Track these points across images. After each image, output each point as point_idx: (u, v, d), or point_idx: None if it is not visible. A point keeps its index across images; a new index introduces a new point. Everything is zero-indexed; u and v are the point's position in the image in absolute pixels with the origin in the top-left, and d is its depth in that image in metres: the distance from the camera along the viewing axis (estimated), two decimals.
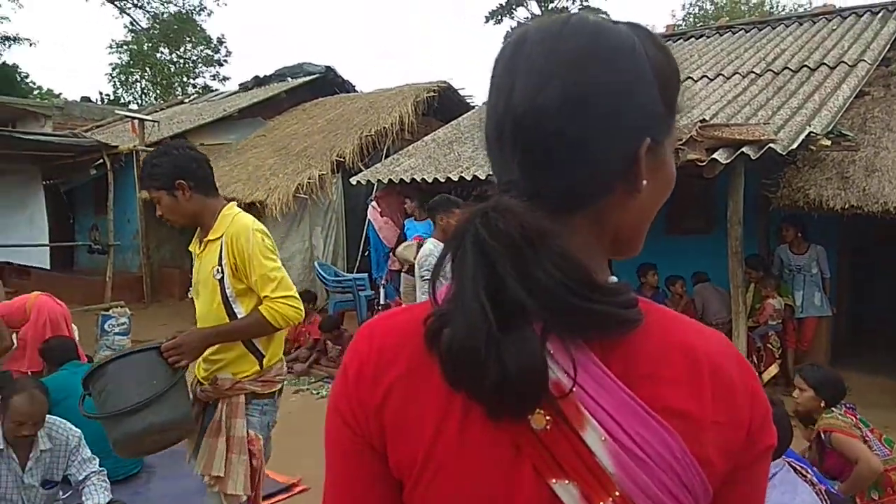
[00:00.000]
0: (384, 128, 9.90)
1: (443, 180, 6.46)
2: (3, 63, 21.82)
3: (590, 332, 0.58)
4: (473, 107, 10.08)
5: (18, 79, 22.75)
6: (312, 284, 8.76)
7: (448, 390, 0.59)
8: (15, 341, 5.41)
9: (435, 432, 0.60)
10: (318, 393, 5.89)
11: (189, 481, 3.86)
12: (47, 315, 5.65)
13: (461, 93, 11.16)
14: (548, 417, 0.57)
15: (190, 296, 8.74)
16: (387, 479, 0.64)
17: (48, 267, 8.03)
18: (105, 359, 2.17)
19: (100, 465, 3.15)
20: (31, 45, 27.49)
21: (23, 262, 8.41)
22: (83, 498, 3.04)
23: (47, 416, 3.00)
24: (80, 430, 3.14)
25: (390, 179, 7.07)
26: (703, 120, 5.17)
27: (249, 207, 9.10)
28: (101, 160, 8.63)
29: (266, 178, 9.32)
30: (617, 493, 0.56)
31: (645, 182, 0.62)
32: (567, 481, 0.57)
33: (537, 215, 0.57)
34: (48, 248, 8.27)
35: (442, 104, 10.60)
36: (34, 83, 24.91)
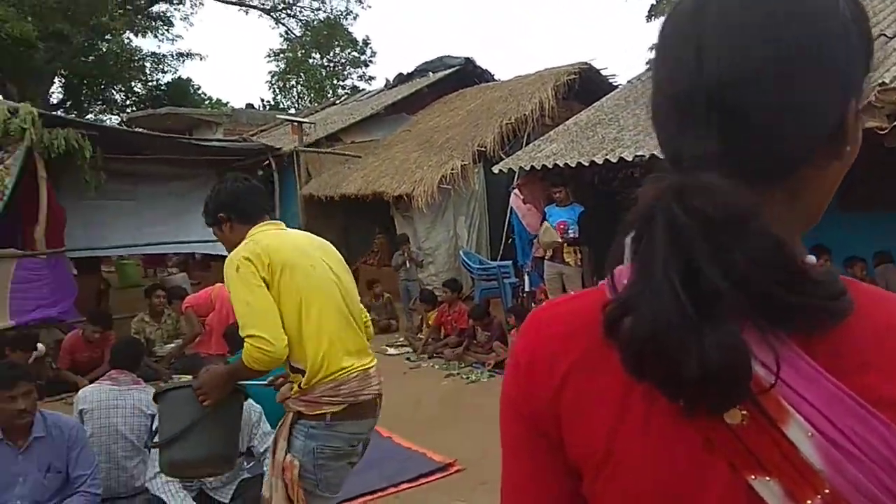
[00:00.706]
0: (524, 115, 9.87)
1: (586, 164, 6.34)
2: (179, 77, 24.36)
3: (795, 325, 0.53)
4: (616, 87, 9.75)
5: (192, 91, 25.29)
6: (458, 273, 8.98)
7: (627, 380, 0.55)
8: (203, 328, 6.12)
9: (615, 423, 0.58)
10: (467, 378, 6.05)
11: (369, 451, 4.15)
12: (229, 304, 6.29)
13: (603, 73, 10.85)
14: (744, 412, 0.53)
15: None
16: (564, 470, 0.62)
17: (227, 254, 8.95)
18: (158, 389, 2.32)
19: None
20: (201, 59, 30.41)
21: (207, 251, 9.39)
22: (264, 468, 3.37)
23: None
24: (260, 406, 3.48)
25: (532, 166, 7.05)
26: (883, 83, 4.63)
27: (397, 200, 9.51)
28: (267, 161, 9.42)
29: (412, 171, 9.66)
30: (826, 491, 0.52)
31: (848, 148, 0.59)
32: (768, 478, 0.53)
33: (738, 192, 0.53)
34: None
35: (583, 86, 10.36)
36: (205, 94, 27.59)
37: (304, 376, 2.11)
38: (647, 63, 11.96)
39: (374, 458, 4.05)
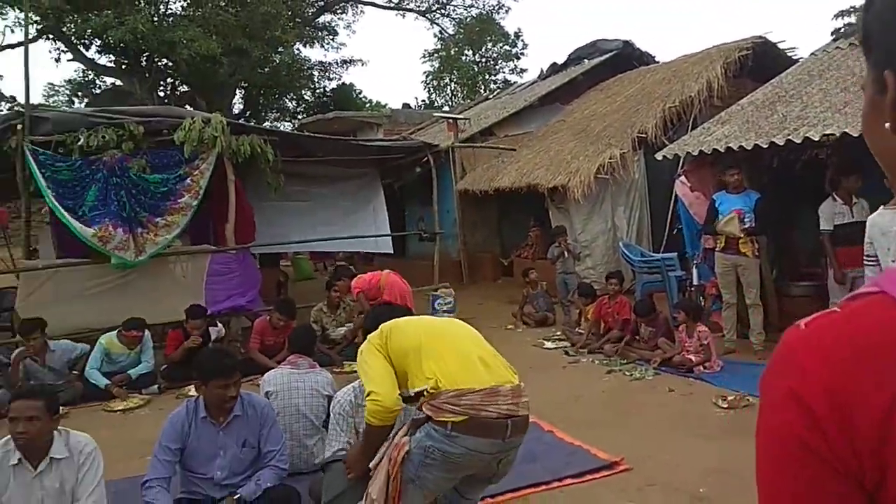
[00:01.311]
0: (689, 96, 9.30)
1: (765, 146, 5.80)
2: (343, 83, 25.88)
3: None
4: (796, 61, 8.84)
5: (354, 95, 26.77)
6: (617, 265, 8.66)
7: None
8: None
9: None
10: (630, 374, 5.81)
11: (531, 444, 4.15)
12: (398, 290, 6.59)
13: (780, 47, 9.90)
14: None
15: (499, 281, 9.16)
16: None
17: (391, 251, 9.40)
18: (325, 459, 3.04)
19: None
20: (362, 64, 32.07)
21: (371, 250, 9.88)
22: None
23: None
24: None
25: (701, 151, 6.59)
26: None
27: (552, 192, 9.38)
28: (426, 158, 9.72)
29: (567, 161, 9.47)
30: None
31: None
32: None
33: None
34: (390, 236, 9.62)
35: (756, 62, 9.53)
36: (366, 97, 29.09)
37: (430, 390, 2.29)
38: (832, 34, 10.73)
39: (536, 450, 4.05)
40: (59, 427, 2.93)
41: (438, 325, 2.65)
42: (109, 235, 6.35)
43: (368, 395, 2.36)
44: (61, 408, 3.62)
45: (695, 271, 6.97)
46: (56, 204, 6.28)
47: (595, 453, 3.99)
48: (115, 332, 6.08)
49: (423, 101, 30.16)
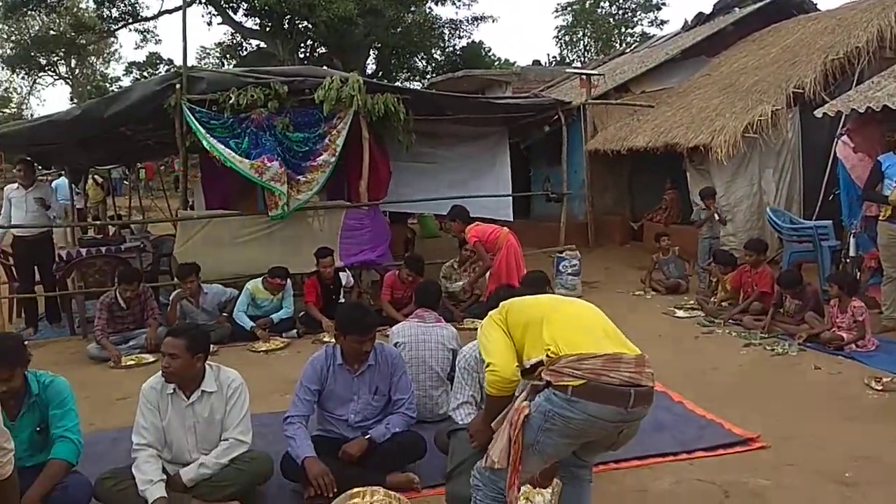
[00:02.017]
0: (856, 48, 8.33)
1: None
2: (472, 41, 25.68)
3: None
4: None
5: (483, 53, 26.51)
6: (762, 232, 8.08)
7: None
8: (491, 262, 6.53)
9: None
10: (772, 349, 5.43)
11: (660, 413, 3.98)
12: (514, 252, 6.59)
13: None
14: None
15: (627, 246, 8.84)
16: None
17: (510, 219, 9.24)
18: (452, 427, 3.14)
19: None
20: (493, 21, 31.63)
21: (490, 216, 9.83)
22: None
23: None
24: None
25: (868, 107, 5.90)
26: None
27: (692, 152, 8.83)
28: (556, 116, 9.45)
29: (710, 119, 8.85)
30: None
31: None
32: None
33: None
34: (511, 200, 9.50)
35: None
36: (495, 55, 28.73)
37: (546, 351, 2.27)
38: None
39: (665, 420, 3.93)
40: (210, 363, 3.20)
41: (561, 301, 2.62)
42: (265, 167, 6.76)
43: (487, 366, 2.39)
44: (212, 346, 3.96)
45: (852, 241, 6.34)
46: (214, 144, 6.75)
47: (729, 428, 3.80)
48: (261, 279, 6.56)
49: (554, 57, 29.36)
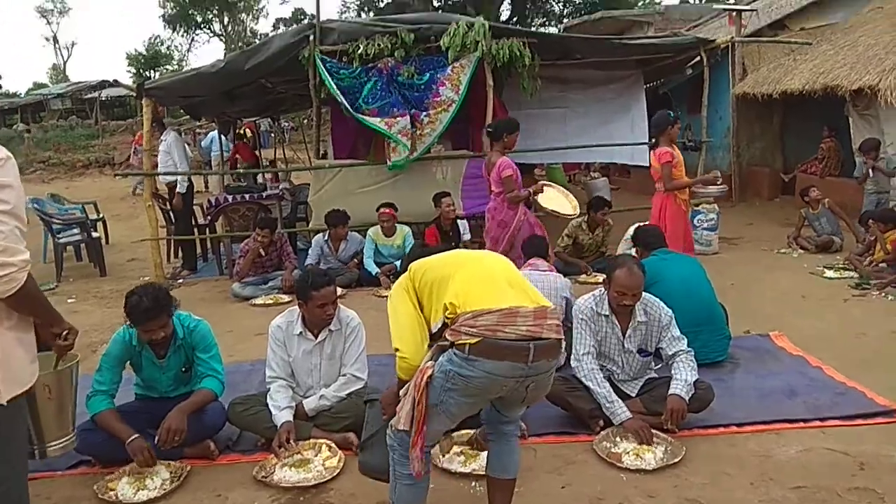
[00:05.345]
0: None
1: None
2: None
3: None
4: None
5: None
6: None
7: None
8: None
9: None
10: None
11: (774, 380, 3.77)
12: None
13: None
14: None
15: (777, 200, 8.00)
16: None
17: (646, 164, 8.74)
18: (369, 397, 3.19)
19: (687, 346, 3.33)
20: None
21: (625, 161, 9.39)
22: (672, 371, 3.29)
23: (643, 293, 3.31)
24: (671, 310, 3.37)
25: None
26: None
27: (856, 95, 7.86)
28: (699, 57, 8.72)
29: (880, 58, 7.80)
30: None
31: None
32: None
33: None
34: (648, 146, 8.97)
35: None
36: None
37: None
38: None
39: (797, 385, 3.65)
40: None
41: (468, 256, 2.51)
42: (395, 121, 6.94)
43: (396, 350, 2.31)
44: (339, 289, 4.19)
45: None
46: (345, 102, 7.00)
47: (872, 397, 3.44)
48: (378, 225, 6.83)
49: None
